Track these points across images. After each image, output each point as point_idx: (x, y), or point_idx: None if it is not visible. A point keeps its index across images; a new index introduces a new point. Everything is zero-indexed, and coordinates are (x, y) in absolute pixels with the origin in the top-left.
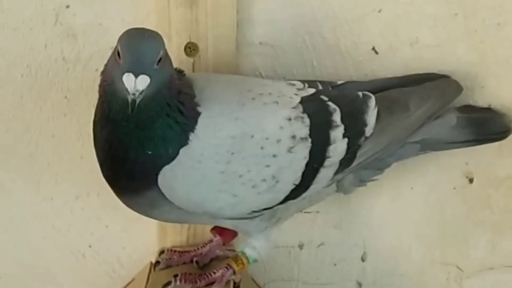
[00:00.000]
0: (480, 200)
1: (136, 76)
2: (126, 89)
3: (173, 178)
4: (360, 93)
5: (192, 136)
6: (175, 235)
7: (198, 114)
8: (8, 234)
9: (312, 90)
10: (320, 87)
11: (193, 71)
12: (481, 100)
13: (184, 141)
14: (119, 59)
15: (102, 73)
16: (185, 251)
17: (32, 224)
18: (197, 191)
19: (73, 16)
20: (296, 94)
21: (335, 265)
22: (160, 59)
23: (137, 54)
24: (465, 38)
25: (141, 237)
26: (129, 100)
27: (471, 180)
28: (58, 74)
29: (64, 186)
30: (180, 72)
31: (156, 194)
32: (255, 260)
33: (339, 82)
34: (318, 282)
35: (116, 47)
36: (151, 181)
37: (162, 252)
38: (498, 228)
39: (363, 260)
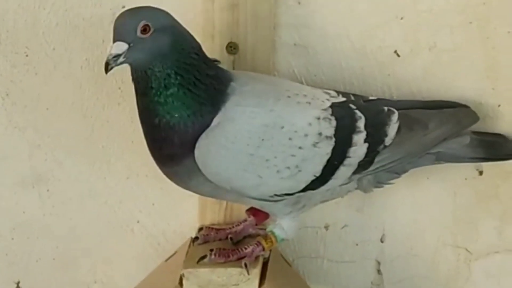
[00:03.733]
0: (489, 190)
1: (114, 42)
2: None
3: (207, 153)
4: (385, 108)
5: (224, 114)
6: (214, 213)
7: (226, 94)
8: (66, 209)
9: (343, 99)
10: (352, 98)
11: (233, 68)
12: (491, 99)
13: (212, 113)
14: None
15: None
16: (221, 229)
17: (87, 200)
18: (226, 168)
19: None
20: (328, 100)
21: (357, 245)
22: (145, 29)
23: (117, 25)
24: (479, 44)
25: (184, 214)
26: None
27: (481, 173)
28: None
29: (117, 167)
30: (215, 60)
31: (192, 164)
32: (283, 239)
33: (371, 98)
34: (342, 260)
35: None
36: (187, 151)
37: (201, 229)
38: (504, 216)
39: (382, 241)
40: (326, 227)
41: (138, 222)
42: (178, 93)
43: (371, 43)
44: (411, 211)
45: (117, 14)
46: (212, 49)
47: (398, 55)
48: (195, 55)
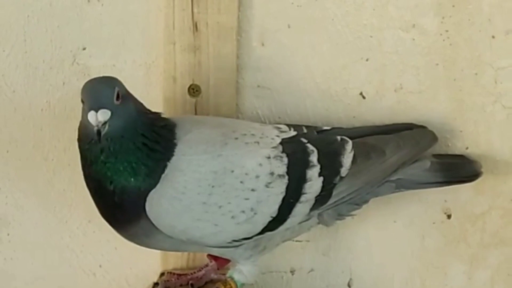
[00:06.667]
0: (457, 234)
1: (97, 111)
2: (91, 124)
3: (159, 207)
4: (338, 137)
5: (170, 167)
6: (177, 258)
7: (174, 145)
8: (27, 253)
9: (293, 133)
10: (305, 131)
11: (195, 111)
12: (459, 142)
13: (161, 170)
14: (84, 105)
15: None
16: (183, 274)
17: (49, 245)
18: (181, 219)
19: (89, 57)
20: (277, 136)
21: None
22: (118, 95)
23: (94, 94)
24: (445, 86)
25: (147, 259)
26: (95, 131)
27: (449, 216)
28: (74, 109)
29: (78, 211)
30: (157, 113)
31: (147, 223)
32: (243, 284)
33: (325, 128)
34: None
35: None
36: (140, 211)
37: (162, 274)
38: (473, 261)
39: (349, 286)
40: (292, 272)
41: (100, 266)
42: (142, 155)
43: (336, 85)
44: (379, 255)
45: (87, 81)
46: (174, 91)
47: (364, 97)
48: (148, 111)
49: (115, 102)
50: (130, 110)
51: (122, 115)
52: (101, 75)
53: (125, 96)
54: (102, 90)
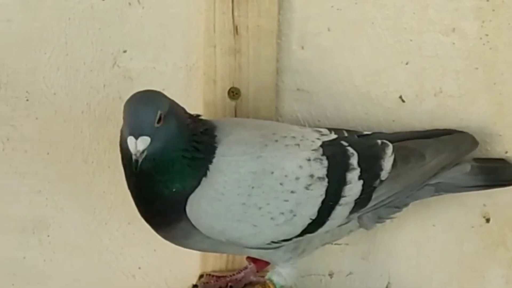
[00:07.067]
0: (496, 238)
1: (136, 138)
2: (130, 151)
3: (199, 208)
4: (379, 141)
5: (211, 169)
6: (216, 260)
7: (215, 148)
8: (67, 255)
9: (334, 136)
10: (345, 135)
11: (235, 113)
12: (499, 146)
13: (203, 173)
14: (124, 121)
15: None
16: (222, 276)
17: (88, 247)
18: (220, 220)
19: (130, 60)
20: (318, 139)
21: None
22: (160, 118)
23: (135, 118)
24: (485, 89)
25: (186, 261)
26: (133, 160)
27: (487, 220)
28: (115, 111)
29: (118, 213)
30: (197, 115)
31: (187, 224)
32: (282, 287)
33: (365, 132)
34: None
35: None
36: (180, 213)
37: (201, 276)
38: None
39: None
40: (331, 275)
41: (139, 268)
42: (182, 167)
43: (376, 88)
44: (417, 259)
45: (130, 98)
46: (214, 94)
47: (403, 101)
48: (189, 120)
49: (156, 125)
50: (171, 129)
51: (163, 137)
52: (145, 90)
53: (168, 113)
54: (144, 114)
